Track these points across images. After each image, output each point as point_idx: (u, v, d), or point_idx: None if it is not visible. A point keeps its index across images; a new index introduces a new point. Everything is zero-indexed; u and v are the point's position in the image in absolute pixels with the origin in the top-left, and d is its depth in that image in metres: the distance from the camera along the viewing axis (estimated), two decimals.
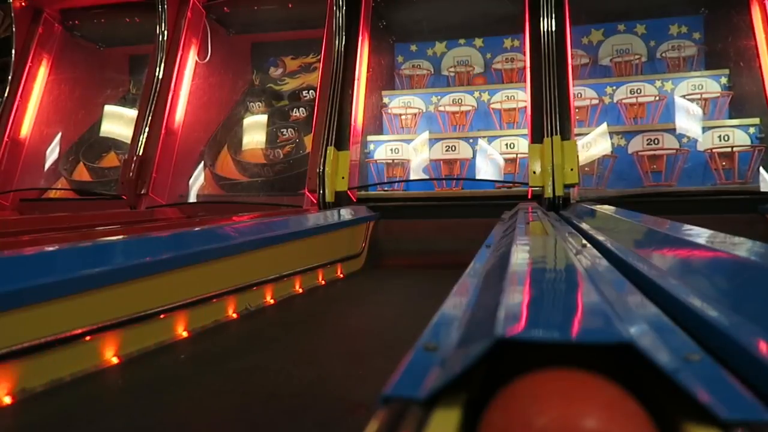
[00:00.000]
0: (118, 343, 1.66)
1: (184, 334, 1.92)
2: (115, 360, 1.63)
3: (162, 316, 1.83)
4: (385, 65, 5.09)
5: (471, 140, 4.53)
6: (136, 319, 1.71)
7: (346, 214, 3.56)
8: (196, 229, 2.31)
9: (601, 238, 1.78)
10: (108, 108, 5.51)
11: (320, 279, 3.01)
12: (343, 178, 4.01)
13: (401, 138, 4.68)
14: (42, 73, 5.21)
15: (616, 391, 0.46)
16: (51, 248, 1.62)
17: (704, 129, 4.12)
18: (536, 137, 3.79)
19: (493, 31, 5.07)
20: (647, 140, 4.17)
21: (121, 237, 1.99)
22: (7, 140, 4.91)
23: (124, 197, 4.38)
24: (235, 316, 2.21)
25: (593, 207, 2.93)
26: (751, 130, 4.01)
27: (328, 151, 4.03)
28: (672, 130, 4.16)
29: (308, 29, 5.04)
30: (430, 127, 4.79)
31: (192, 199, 4.81)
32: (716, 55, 4.60)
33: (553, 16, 4.09)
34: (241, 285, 2.27)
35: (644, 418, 0.45)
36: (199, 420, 1.31)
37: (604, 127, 4.20)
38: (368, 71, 4.55)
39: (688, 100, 4.29)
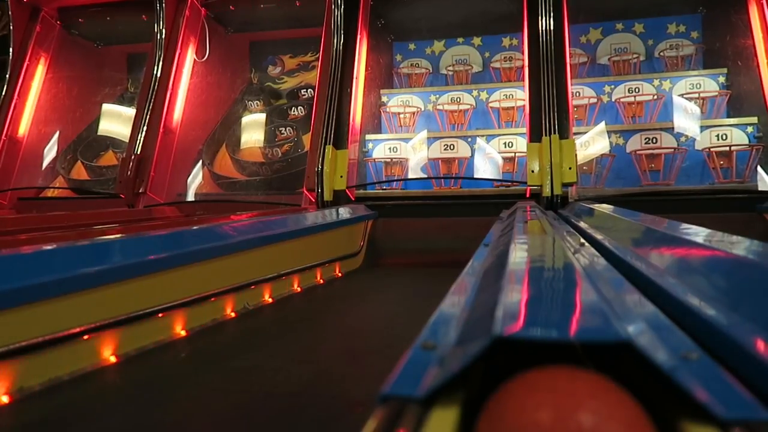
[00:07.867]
0: (117, 343, 1.65)
1: (183, 333, 1.92)
2: (113, 359, 1.63)
3: (160, 315, 1.83)
4: (383, 64, 5.09)
5: (469, 139, 4.53)
6: (134, 318, 1.71)
7: (344, 212, 3.55)
8: (194, 227, 2.30)
9: (599, 236, 1.78)
10: (106, 106, 5.50)
11: (319, 278, 3.00)
12: (341, 176, 4.01)
13: (400, 137, 4.68)
14: (40, 71, 5.20)
15: (614, 389, 0.46)
16: (48, 247, 1.62)
17: (702, 128, 4.12)
18: (534, 136, 3.79)
19: (492, 29, 5.07)
20: (645, 139, 4.17)
21: (118, 236, 1.99)
22: (5, 139, 4.90)
23: (122, 196, 4.38)
24: (233, 315, 2.21)
25: (591, 206, 2.92)
26: (749, 129, 4.01)
27: (326, 150, 4.02)
28: (670, 129, 4.16)
29: (307, 28, 5.04)
30: (429, 126, 4.79)
31: (190, 197, 4.80)
32: (714, 54, 4.61)
33: (552, 14, 4.09)
34: (240, 284, 2.26)
35: (642, 417, 0.45)
36: (198, 418, 1.31)
37: (602, 126, 4.21)
38: (367, 70, 4.55)
39: (687, 99, 4.29)
